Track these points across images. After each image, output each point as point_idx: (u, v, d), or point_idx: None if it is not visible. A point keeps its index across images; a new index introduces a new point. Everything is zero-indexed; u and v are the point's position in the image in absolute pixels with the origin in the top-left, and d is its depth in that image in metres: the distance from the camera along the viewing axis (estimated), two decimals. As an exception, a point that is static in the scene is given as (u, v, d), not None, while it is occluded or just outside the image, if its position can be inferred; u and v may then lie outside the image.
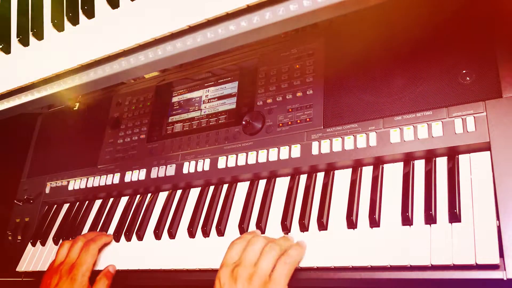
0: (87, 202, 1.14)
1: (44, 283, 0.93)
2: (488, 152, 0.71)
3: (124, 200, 1.08)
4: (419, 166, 0.77)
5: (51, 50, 0.77)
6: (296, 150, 0.87)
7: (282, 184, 0.89)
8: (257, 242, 0.75)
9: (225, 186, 0.96)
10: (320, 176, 0.85)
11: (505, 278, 0.61)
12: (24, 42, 0.80)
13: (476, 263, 0.62)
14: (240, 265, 0.72)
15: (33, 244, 1.13)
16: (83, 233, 1.07)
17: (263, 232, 0.84)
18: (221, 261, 0.76)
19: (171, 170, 1.01)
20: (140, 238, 0.98)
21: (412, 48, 0.81)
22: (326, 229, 0.78)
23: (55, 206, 1.19)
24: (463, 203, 0.68)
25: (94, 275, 0.99)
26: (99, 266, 0.98)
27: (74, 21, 0.74)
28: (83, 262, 0.93)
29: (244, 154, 0.92)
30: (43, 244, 1.11)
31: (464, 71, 0.75)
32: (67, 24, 0.75)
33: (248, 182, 0.93)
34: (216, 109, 1.02)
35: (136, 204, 1.04)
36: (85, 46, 0.72)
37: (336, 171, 0.84)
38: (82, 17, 0.74)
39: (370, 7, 0.53)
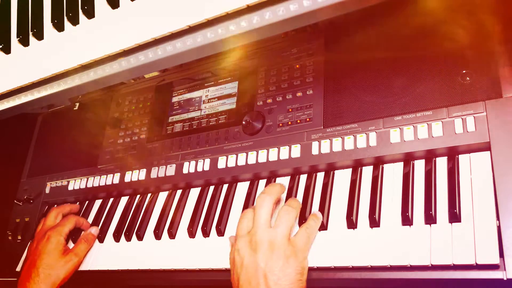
0: (87, 202, 1.14)
1: (27, 251, 1.02)
2: (488, 152, 0.71)
3: (124, 200, 1.08)
4: (419, 166, 0.77)
5: (51, 50, 0.77)
6: (296, 150, 0.87)
7: (282, 184, 0.89)
8: (263, 205, 0.74)
9: (225, 186, 0.96)
10: (320, 176, 0.85)
11: (505, 278, 0.61)
12: (24, 42, 0.80)
13: (476, 263, 0.62)
14: (256, 233, 0.72)
15: (33, 244, 1.13)
16: (83, 233, 1.07)
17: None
18: (235, 232, 0.77)
19: (171, 170, 1.01)
20: (140, 238, 0.98)
21: (412, 48, 0.81)
22: (326, 229, 0.78)
23: (55, 206, 1.19)
24: (463, 203, 0.68)
25: (92, 275, 0.99)
26: (99, 266, 0.98)
27: (74, 21, 0.74)
28: (60, 224, 1.01)
29: (244, 154, 0.92)
30: (43, 244, 1.11)
31: (464, 71, 0.75)
32: (67, 24, 0.75)
33: (248, 182, 0.93)
34: (216, 109, 1.02)
35: (136, 204, 1.04)
36: (85, 46, 0.72)
37: (336, 171, 0.85)
38: (82, 17, 0.74)
39: (370, 7, 0.53)
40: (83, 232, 1.04)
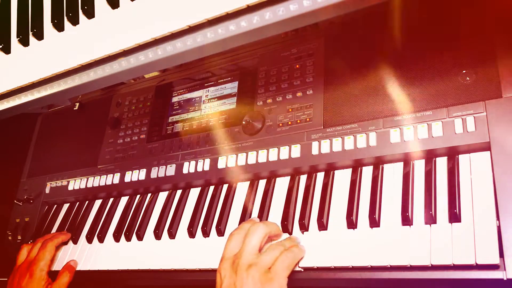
0: (87, 202, 1.14)
1: (8, 285, 0.99)
2: (488, 152, 0.71)
3: (124, 200, 1.08)
4: (419, 166, 0.77)
5: (51, 50, 0.77)
6: (296, 150, 0.87)
7: (282, 184, 0.89)
8: (256, 232, 0.75)
9: (225, 186, 0.96)
10: (320, 176, 0.85)
11: (505, 278, 0.61)
12: (24, 42, 0.80)
13: (476, 263, 0.62)
14: (241, 257, 0.72)
15: (33, 244, 1.13)
16: (83, 233, 1.07)
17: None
18: (222, 254, 0.77)
19: (171, 170, 1.01)
20: (140, 238, 0.98)
21: (412, 48, 0.81)
22: (326, 229, 0.78)
23: (55, 206, 1.20)
24: (463, 203, 0.68)
25: (92, 275, 0.99)
26: (99, 266, 0.98)
27: (74, 21, 0.74)
28: (40, 258, 0.98)
29: (244, 154, 0.92)
30: (43, 244, 1.11)
31: (464, 71, 0.76)
32: (67, 24, 0.75)
33: (248, 182, 0.93)
34: (216, 109, 1.02)
35: (136, 204, 1.04)
36: (85, 46, 0.72)
37: (336, 171, 0.84)
38: (82, 17, 0.74)
39: (370, 7, 0.53)
40: (66, 262, 1.02)
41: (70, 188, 1.16)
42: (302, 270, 0.75)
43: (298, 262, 0.75)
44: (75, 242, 1.06)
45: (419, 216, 0.71)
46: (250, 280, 0.69)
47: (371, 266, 0.70)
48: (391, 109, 0.80)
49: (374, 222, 0.73)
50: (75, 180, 1.16)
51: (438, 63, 0.78)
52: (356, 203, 0.77)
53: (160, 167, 1.03)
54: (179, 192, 1.01)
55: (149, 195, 1.05)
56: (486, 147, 0.71)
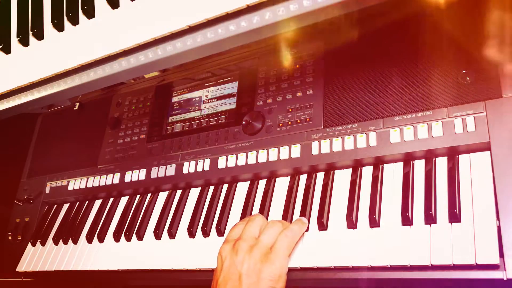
0: (87, 202, 1.14)
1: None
2: (488, 152, 0.71)
3: (124, 200, 1.08)
4: (419, 166, 0.77)
5: (51, 50, 0.77)
6: (296, 150, 0.87)
7: (282, 184, 0.89)
8: (257, 219, 0.77)
9: (225, 186, 0.96)
10: (320, 176, 0.85)
11: (505, 278, 0.61)
12: (24, 42, 0.80)
13: (476, 263, 0.62)
14: (241, 239, 0.74)
15: (33, 244, 1.13)
16: (83, 233, 1.07)
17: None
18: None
19: (171, 170, 1.01)
20: (140, 238, 0.98)
21: (412, 48, 0.81)
22: (326, 229, 0.78)
23: (55, 206, 1.19)
24: (463, 203, 0.68)
25: (92, 275, 0.99)
26: (99, 266, 0.98)
27: (74, 21, 0.74)
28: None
29: (244, 154, 0.92)
30: (43, 244, 1.11)
31: (464, 71, 0.75)
32: (67, 24, 0.75)
33: (248, 182, 0.93)
34: (216, 109, 1.02)
35: (136, 204, 1.04)
36: (85, 46, 0.72)
37: (336, 171, 0.84)
38: (82, 17, 0.74)
39: (370, 7, 0.53)
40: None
41: (70, 188, 1.16)
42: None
43: (299, 240, 0.76)
44: (75, 242, 1.06)
45: (419, 216, 0.71)
46: (251, 260, 0.69)
47: (371, 266, 0.70)
48: (391, 109, 0.80)
49: (374, 222, 0.73)
50: (75, 180, 1.16)
51: (438, 63, 0.78)
52: (356, 203, 0.77)
53: (160, 167, 1.03)
54: (179, 192, 1.01)
55: (149, 195, 1.05)
56: (486, 147, 0.71)
